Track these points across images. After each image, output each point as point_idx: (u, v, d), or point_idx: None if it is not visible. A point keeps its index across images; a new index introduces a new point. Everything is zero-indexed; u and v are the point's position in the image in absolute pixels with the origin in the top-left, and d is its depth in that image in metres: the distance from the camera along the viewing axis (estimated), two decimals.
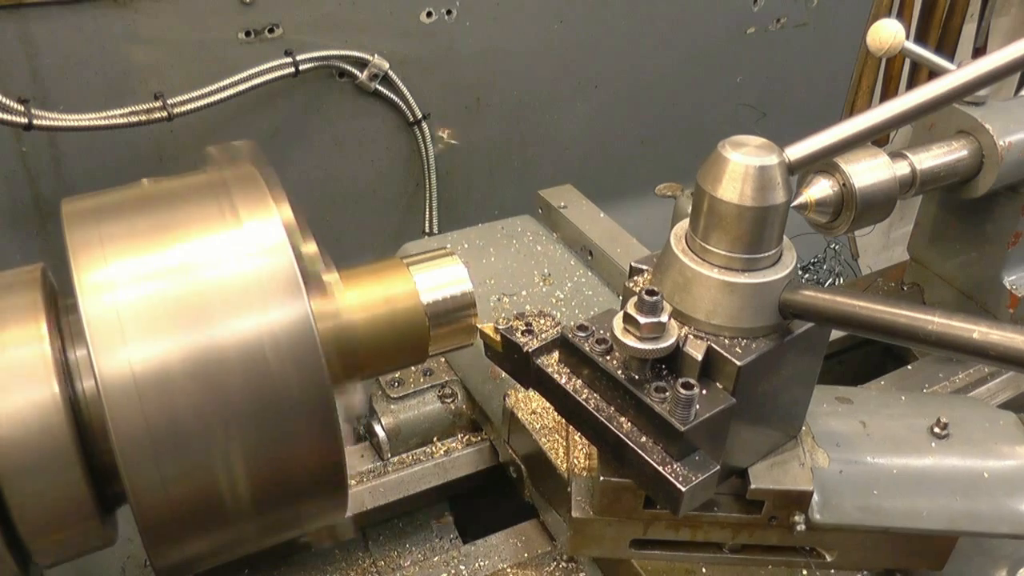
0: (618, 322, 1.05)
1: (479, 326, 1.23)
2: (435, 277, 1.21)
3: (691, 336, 1.07)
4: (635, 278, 1.16)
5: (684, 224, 1.11)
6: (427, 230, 2.80)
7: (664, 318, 1.02)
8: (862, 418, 1.28)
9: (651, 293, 1.02)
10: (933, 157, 1.56)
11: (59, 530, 0.94)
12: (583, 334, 1.13)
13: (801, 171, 1.06)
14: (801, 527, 1.18)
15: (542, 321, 1.23)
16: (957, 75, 1.03)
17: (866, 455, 1.23)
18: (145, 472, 0.89)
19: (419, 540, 1.55)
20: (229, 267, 0.94)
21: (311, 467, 0.99)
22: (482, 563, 1.42)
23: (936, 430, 1.25)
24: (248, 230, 0.97)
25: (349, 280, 1.17)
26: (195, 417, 0.90)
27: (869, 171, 1.40)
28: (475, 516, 1.60)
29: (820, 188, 1.39)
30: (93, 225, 0.96)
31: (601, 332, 1.12)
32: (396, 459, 1.54)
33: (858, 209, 1.39)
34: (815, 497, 1.18)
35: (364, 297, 1.17)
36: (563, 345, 1.15)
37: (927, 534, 1.22)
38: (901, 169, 1.49)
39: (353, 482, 1.48)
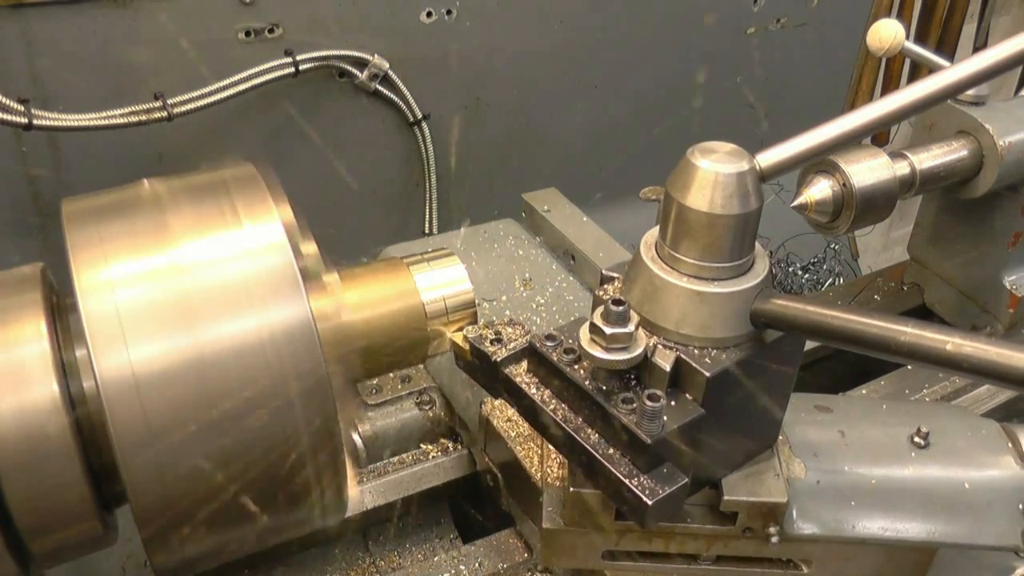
0: (584, 332, 1.02)
1: (448, 335, 1.22)
2: (435, 277, 1.22)
3: (660, 346, 1.03)
4: (605, 286, 1.13)
5: (655, 231, 1.08)
6: (427, 230, 2.80)
7: (631, 328, 0.99)
8: (841, 427, 1.25)
9: (617, 303, 0.99)
10: (933, 157, 1.56)
11: (59, 530, 0.94)
12: (551, 343, 1.09)
13: (773, 178, 1.04)
14: (776, 539, 1.15)
15: (511, 330, 1.20)
16: (936, 79, 1.01)
17: (844, 465, 1.21)
18: (145, 472, 0.89)
19: (419, 540, 1.54)
20: (229, 267, 0.95)
21: (311, 467, 0.99)
22: (482, 563, 1.42)
23: (917, 439, 1.23)
24: (248, 230, 0.97)
25: (349, 280, 1.17)
26: (195, 417, 0.90)
27: (869, 171, 1.40)
28: (476, 516, 1.60)
29: (820, 188, 1.39)
30: (93, 225, 0.96)
31: (569, 342, 1.09)
32: (396, 459, 1.54)
33: (858, 209, 1.38)
34: (791, 508, 1.16)
35: (364, 297, 1.17)
36: (532, 355, 1.12)
37: (906, 545, 1.20)
38: (901, 169, 1.49)
39: (353, 482, 1.48)
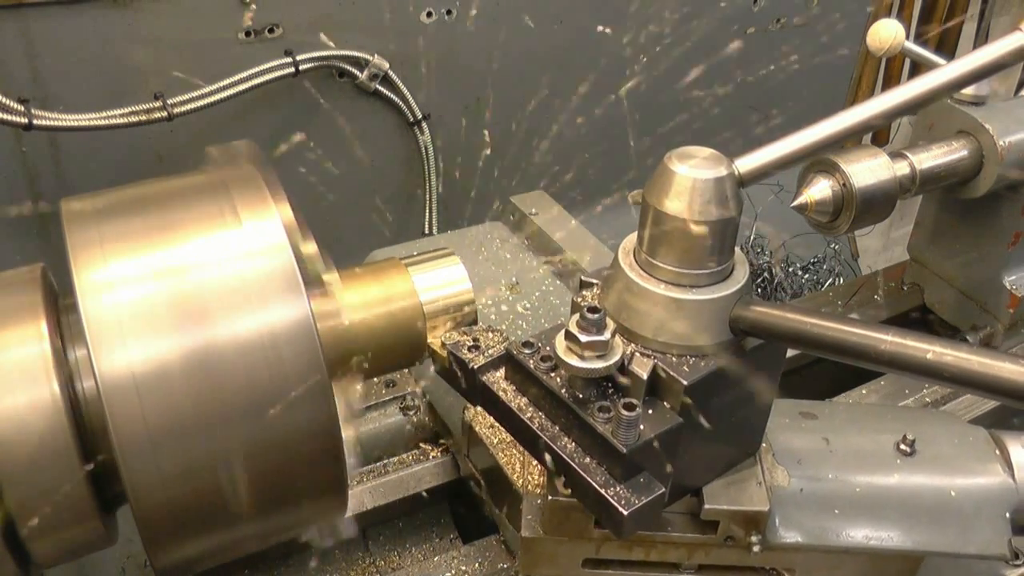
0: (560, 340, 1.01)
1: (427, 341, 1.21)
2: (434, 277, 1.21)
3: (637, 354, 1.02)
4: (584, 292, 1.11)
5: (633, 237, 1.06)
6: (427, 230, 2.80)
7: (606, 336, 0.98)
8: (826, 434, 1.24)
9: (593, 311, 0.97)
10: (933, 157, 1.56)
11: (59, 530, 0.94)
12: (528, 351, 1.08)
13: (753, 183, 1.02)
14: (757, 548, 1.14)
15: (489, 336, 1.18)
16: (923, 81, 1.00)
17: (828, 472, 1.19)
18: (145, 472, 0.89)
19: (419, 540, 1.54)
20: (229, 267, 0.94)
21: (311, 467, 0.99)
22: (482, 563, 1.42)
23: (902, 447, 1.22)
24: (248, 230, 0.97)
25: (349, 280, 1.17)
26: (195, 417, 0.90)
27: (869, 171, 1.40)
28: (476, 515, 1.60)
29: (820, 188, 1.39)
30: (93, 225, 0.96)
31: (546, 349, 1.07)
32: (396, 459, 1.54)
33: (858, 209, 1.39)
34: (774, 516, 1.14)
35: (364, 297, 1.17)
36: (509, 362, 1.11)
37: (891, 554, 1.19)
38: (901, 169, 1.49)
39: (353, 482, 1.48)
